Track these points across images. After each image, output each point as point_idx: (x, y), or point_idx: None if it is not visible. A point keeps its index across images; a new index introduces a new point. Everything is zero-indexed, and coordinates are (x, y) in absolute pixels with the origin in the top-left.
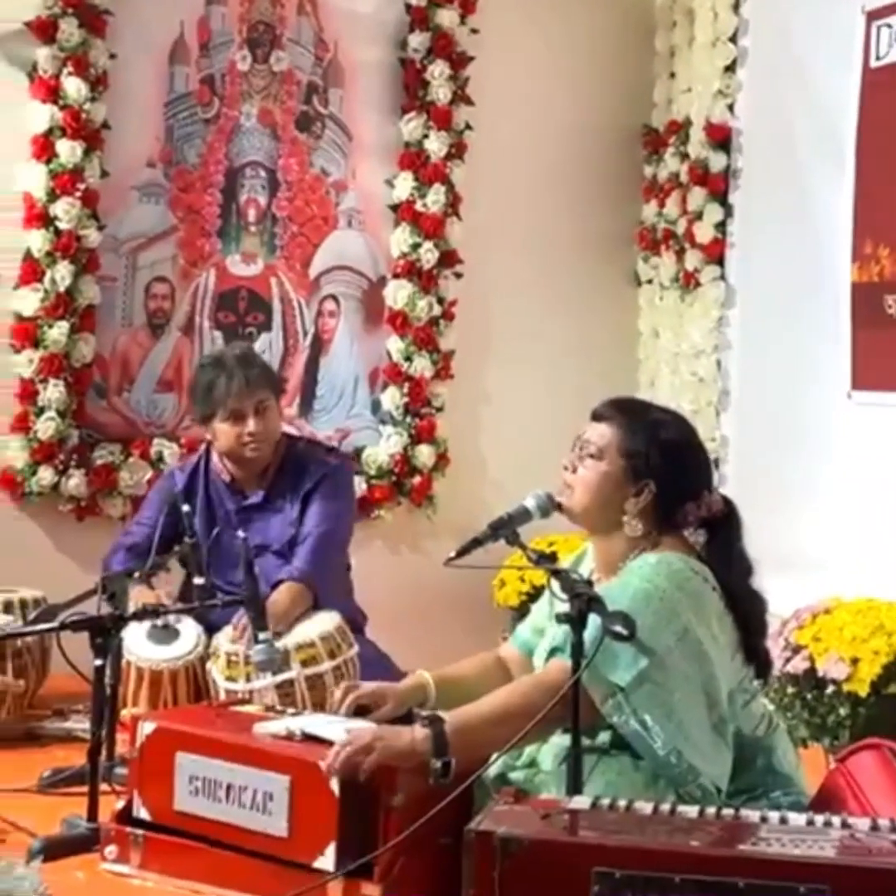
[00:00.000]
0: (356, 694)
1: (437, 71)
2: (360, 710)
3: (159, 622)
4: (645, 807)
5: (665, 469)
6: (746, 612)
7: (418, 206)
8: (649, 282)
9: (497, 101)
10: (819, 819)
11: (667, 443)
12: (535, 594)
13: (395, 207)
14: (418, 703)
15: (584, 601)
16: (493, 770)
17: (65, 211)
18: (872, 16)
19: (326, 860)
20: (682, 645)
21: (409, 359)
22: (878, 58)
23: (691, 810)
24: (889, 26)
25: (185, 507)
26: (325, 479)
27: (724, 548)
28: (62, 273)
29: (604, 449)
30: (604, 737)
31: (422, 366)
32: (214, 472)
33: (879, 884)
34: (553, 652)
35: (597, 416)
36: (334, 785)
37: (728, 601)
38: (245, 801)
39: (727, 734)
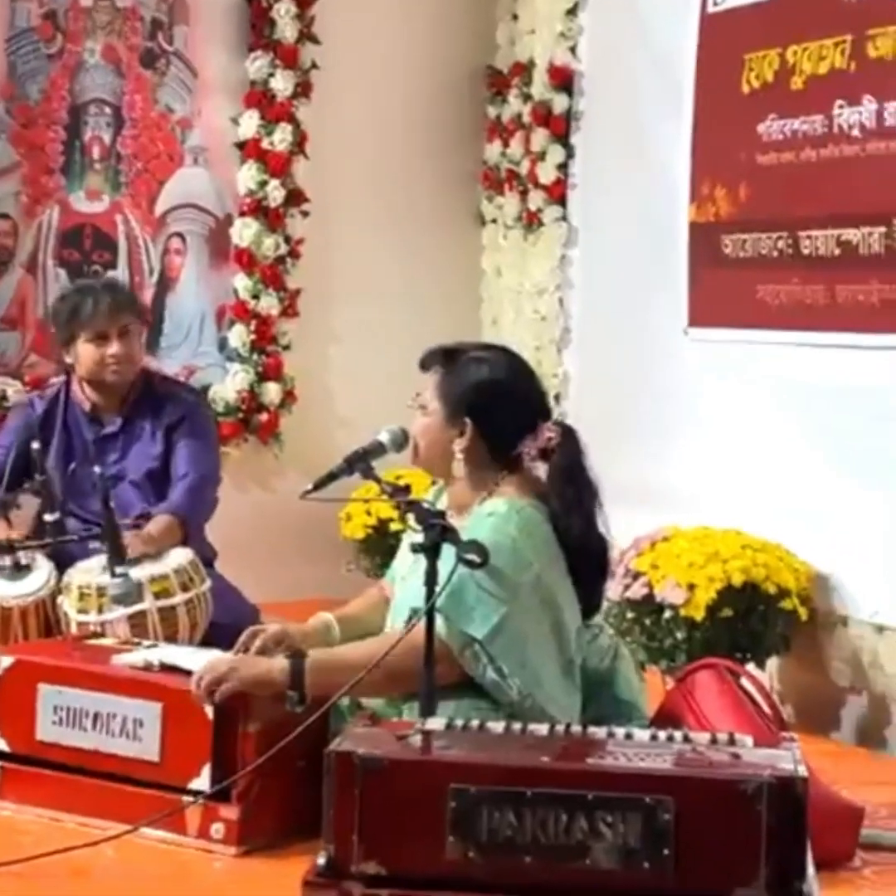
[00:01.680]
0: (263, 638)
1: (283, 9)
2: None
3: (10, 560)
4: (497, 726)
5: (481, 407)
6: (584, 541)
7: (264, 145)
8: (493, 221)
9: (343, 41)
10: (662, 734)
11: (481, 382)
12: (380, 527)
13: (240, 145)
14: (325, 642)
15: (437, 531)
16: (348, 697)
17: None
18: None
19: (202, 781)
20: (534, 593)
21: (255, 296)
22: (715, 3)
23: (542, 728)
24: None
25: (35, 445)
26: (187, 419)
27: (564, 475)
28: None
29: (428, 398)
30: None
31: (268, 304)
32: (74, 402)
33: (719, 793)
34: (416, 612)
35: (421, 366)
36: (208, 709)
37: (568, 533)
38: (114, 728)
39: (576, 675)
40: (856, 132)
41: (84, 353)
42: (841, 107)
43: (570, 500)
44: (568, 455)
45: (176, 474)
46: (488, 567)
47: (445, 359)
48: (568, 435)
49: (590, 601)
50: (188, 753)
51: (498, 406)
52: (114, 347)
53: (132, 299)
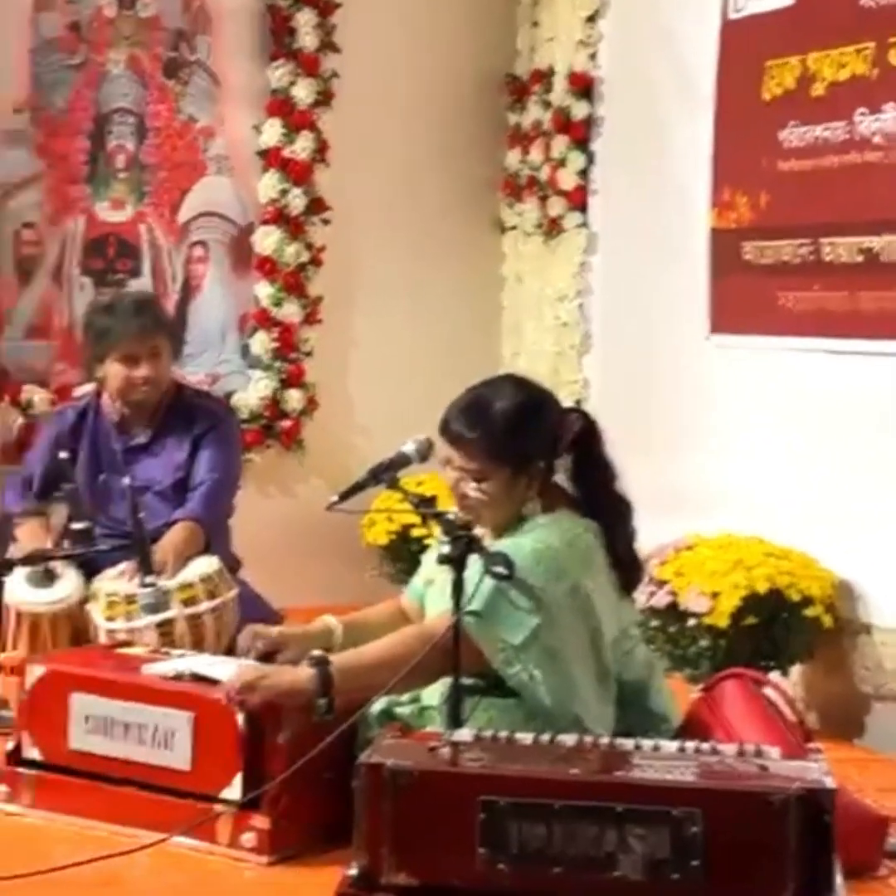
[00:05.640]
0: (259, 640)
1: (304, 18)
2: (266, 657)
3: (42, 567)
4: (525, 738)
5: (531, 442)
6: (614, 517)
7: (286, 153)
8: (513, 228)
9: (364, 49)
10: (690, 746)
11: (511, 423)
12: (403, 533)
13: (262, 154)
14: (324, 647)
15: (464, 543)
16: (377, 706)
17: None
18: None
19: (233, 791)
20: (572, 601)
21: (278, 304)
22: (736, 10)
23: (570, 739)
24: None
25: (63, 454)
26: (215, 428)
27: (587, 459)
28: None
29: (481, 469)
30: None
31: (291, 311)
32: (103, 413)
33: (747, 805)
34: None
35: (451, 439)
36: (239, 719)
37: (595, 512)
38: (145, 738)
39: (610, 685)
40: (878, 139)
41: (113, 373)
42: (863, 114)
43: (597, 478)
44: (592, 438)
45: (194, 481)
46: (524, 577)
47: (469, 424)
48: (588, 419)
49: (630, 573)
50: (219, 763)
51: (536, 429)
52: (143, 370)
53: (162, 319)
